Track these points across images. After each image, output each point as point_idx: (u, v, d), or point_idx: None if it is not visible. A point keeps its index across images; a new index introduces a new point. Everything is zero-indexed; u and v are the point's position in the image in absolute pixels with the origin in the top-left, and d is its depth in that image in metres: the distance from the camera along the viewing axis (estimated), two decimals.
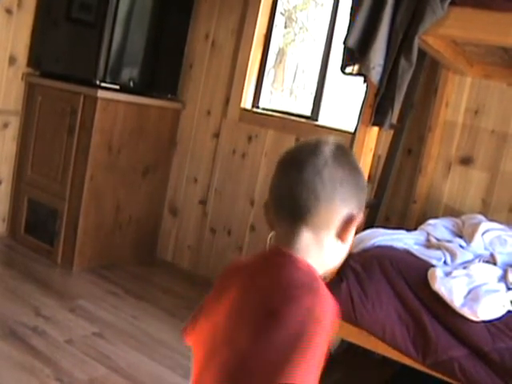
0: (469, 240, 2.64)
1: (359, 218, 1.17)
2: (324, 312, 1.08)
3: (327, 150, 1.14)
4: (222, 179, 4.01)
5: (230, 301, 1.17)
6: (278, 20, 4.06)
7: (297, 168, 1.13)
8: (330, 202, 1.12)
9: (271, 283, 1.12)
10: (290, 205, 1.14)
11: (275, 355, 1.02)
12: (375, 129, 2.35)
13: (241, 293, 1.16)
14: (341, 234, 1.15)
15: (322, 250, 1.16)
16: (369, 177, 2.57)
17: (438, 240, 2.67)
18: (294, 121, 3.75)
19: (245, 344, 1.08)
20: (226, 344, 1.13)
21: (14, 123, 3.96)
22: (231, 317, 1.15)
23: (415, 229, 2.89)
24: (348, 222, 1.15)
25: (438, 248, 2.53)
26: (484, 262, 2.44)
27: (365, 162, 2.37)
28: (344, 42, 2.16)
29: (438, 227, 2.80)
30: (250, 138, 3.87)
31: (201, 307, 1.27)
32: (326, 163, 1.12)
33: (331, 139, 1.17)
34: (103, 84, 3.60)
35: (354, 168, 1.17)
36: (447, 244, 2.56)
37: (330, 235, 1.15)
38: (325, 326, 1.07)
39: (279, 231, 1.19)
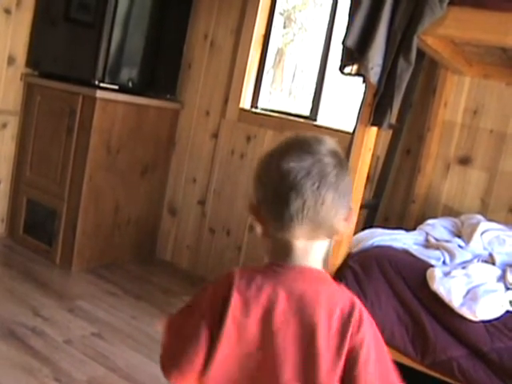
0: (467, 240, 2.64)
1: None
2: None
3: (332, 161, 1.15)
4: (220, 179, 4.00)
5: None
6: (277, 20, 4.06)
7: (314, 187, 1.12)
8: (342, 210, 1.18)
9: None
10: (313, 224, 1.14)
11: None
12: (374, 129, 2.35)
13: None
14: (340, 232, 1.21)
15: (324, 250, 1.23)
16: (368, 177, 2.57)
17: (436, 240, 2.67)
18: (292, 121, 3.75)
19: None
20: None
21: (13, 123, 3.95)
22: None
23: (414, 229, 2.89)
24: (348, 219, 1.20)
25: (437, 248, 2.53)
26: (483, 261, 2.44)
27: (364, 162, 2.37)
28: (343, 42, 2.16)
29: (437, 227, 2.80)
30: (248, 138, 3.87)
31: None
32: (338, 177, 1.14)
33: (325, 144, 1.17)
34: (102, 84, 3.60)
35: (348, 172, 1.20)
36: (446, 244, 2.56)
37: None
38: None
39: (287, 245, 1.19)
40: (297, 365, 1.13)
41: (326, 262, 1.22)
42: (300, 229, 1.14)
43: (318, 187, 1.11)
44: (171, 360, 1.21)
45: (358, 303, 1.17)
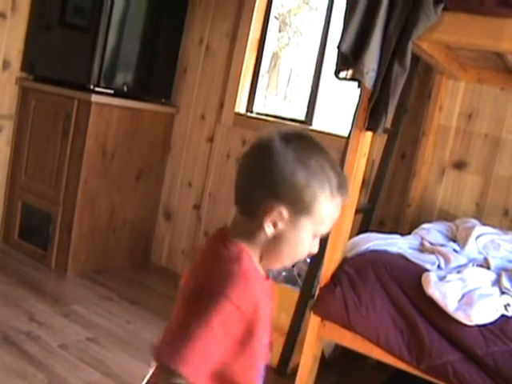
0: (463, 244, 2.65)
1: (280, 212, 1.16)
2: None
3: (268, 136, 1.21)
4: (216, 184, 4.00)
5: None
6: (272, 24, 4.06)
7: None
8: (247, 187, 1.22)
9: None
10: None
11: None
12: (369, 133, 2.35)
13: None
14: (262, 224, 1.18)
15: (246, 233, 1.21)
16: (363, 181, 2.57)
17: (431, 244, 2.67)
18: (288, 125, 3.75)
19: None
20: None
21: (8, 127, 3.95)
22: None
23: (409, 233, 2.90)
24: (267, 211, 1.16)
25: (432, 252, 2.53)
26: (478, 266, 2.45)
27: (359, 167, 2.37)
28: (338, 47, 2.16)
29: (432, 231, 2.80)
30: (244, 143, 3.87)
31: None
32: (253, 148, 1.25)
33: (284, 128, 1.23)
34: (97, 88, 3.60)
35: (276, 155, 1.17)
36: (441, 248, 2.56)
37: (256, 220, 1.19)
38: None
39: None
40: None
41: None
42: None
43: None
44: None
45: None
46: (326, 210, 1.18)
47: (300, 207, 1.16)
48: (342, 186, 1.19)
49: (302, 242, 1.21)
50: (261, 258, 1.21)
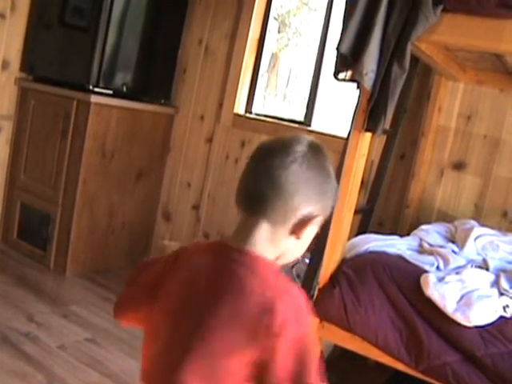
0: (461, 245, 2.65)
1: (320, 220, 1.20)
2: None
3: (299, 149, 1.16)
4: (215, 184, 4.00)
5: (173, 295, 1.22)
6: (272, 25, 4.06)
7: (264, 161, 1.16)
8: (290, 198, 1.14)
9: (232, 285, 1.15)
10: (251, 196, 1.18)
11: None
12: (368, 134, 2.35)
13: (188, 289, 1.20)
14: (296, 231, 1.17)
15: (277, 244, 1.19)
16: (362, 182, 2.57)
17: (430, 245, 2.67)
18: (287, 126, 3.75)
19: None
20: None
21: (7, 128, 3.95)
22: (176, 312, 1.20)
23: (408, 234, 2.90)
24: (305, 221, 1.17)
25: (431, 253, 2.53)
26: (476, 267, 2.45)
27: (358, 168, 2.37)
28: (337, 48, 2.16)
29: (431, 232, 2.80)
30: (243, 143, 3.87)
31: (133, 286, 1.36)
32: (295, 160, 1.15)
33: (308, 139, 1.20)
34: (96, 89, 3.60)
35: (323, 171, 1.19)
36: (440, 249, 2.56)
37: (285, 231, 1.17)
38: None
39: (237, 224, 1.22)
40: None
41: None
42: (243, 201, 1.20)
43: (271, 162, 1.15)
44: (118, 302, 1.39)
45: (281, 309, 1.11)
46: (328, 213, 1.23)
47: (325, 213, 1.21)
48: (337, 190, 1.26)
49: (309, 243, 1.24)
50: (275, 259, 1.22)
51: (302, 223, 1.17)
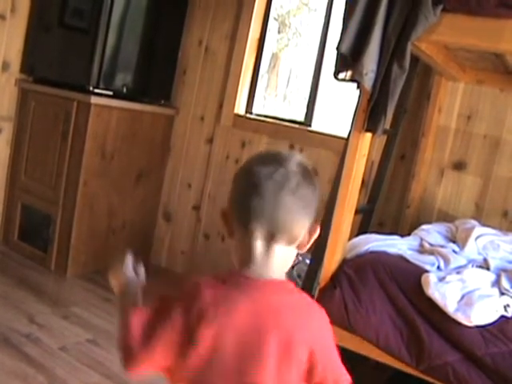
0: (462, 245, 2.65)
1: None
2: None
3: (297, 170, 1.20)
4: (215, 185, 4.00)
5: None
6: (272, 25, 4.06)
7: (274, 189, 1.18)
8: (302, 219, 1.21)
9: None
10: (270, 225, 1.19)
11: None
12: (368, 134, 2.35)
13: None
14: (305, 244, 1.26)
15: (289, 262, 1.27)
16: (362, 182, 2.57)
17: (431, 245, 2.67)
18: (287, 126, 3.76)
19: None
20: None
21: (8, 129, 3.95)
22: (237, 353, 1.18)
23: (409, 234, 2.90)
24: (312, 232, 1.25)
25: (432, 253, 2.53)
26: (477, 266, 2.45)
27: (358, 168, 2.37)
28: (337, 48, 2.16)
29: (432, 232, 2.80)
30: (243, 144, 3.87)
31: (155, 338, 1.20)
32: (299, 184, 1.19)
33: (293, 158, 1.23)
34: (97, 90, 3.60)
35: (314, 185, 1.24)
36: (440, 249, 2.56)
37: (294, 247, 1.25)
38: None
39: (249, 248, 1.22)
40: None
41: (294, 278, 1.28)
42: (258, 229, 1.19)
43: (278, 189, 1.17)
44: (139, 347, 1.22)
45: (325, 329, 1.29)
46: None
47: None
48: None
49: None
50: None
51: (311, 236, 1.25)
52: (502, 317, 2.10)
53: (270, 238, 1.20)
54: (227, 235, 1.27)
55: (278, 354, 1.17)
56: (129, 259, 1.42)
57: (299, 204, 1.19)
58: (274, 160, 1.21)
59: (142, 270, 1.44)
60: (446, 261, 2.44)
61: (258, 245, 1.20)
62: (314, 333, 1.25)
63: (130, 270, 1.41)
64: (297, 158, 1.23)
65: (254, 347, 1.17)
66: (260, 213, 1.17)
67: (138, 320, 1.23)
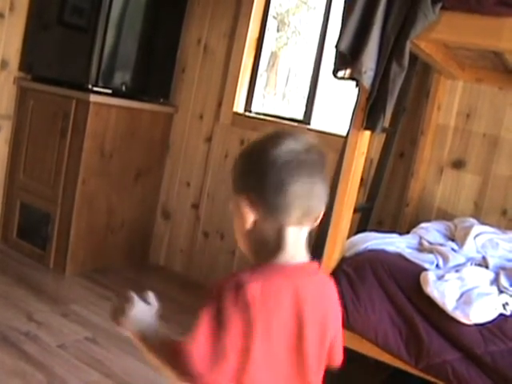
0: (461, 243, 2.65)
1: None
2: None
3: (317, 156, 1.25)
4: (214, 183, 4.00)
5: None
6: (271, 24, 4.06)
7: (308, 174, 1.21)
8: (325, 200, 1.26)
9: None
10: (305, 209, 1.21)
11: None
12: (367, 132, 2.35)
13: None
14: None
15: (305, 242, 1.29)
16: (361, 180, 2.57)
17: (430, 243, 2.67)
18: (286, 125, 3.75)
19: None
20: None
21: (6, 127, 3.94)
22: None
23: (408, 232, 2.90)
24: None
25: (431, 251, 2.53)
26: (476, 265, 2.45)
27: (357, 166, 2.37)
28: (336, 46, 2.16)
29: (431, 231, 2.80)
30: (242, 142, 3.87)
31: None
32: (323, 168, 1.25)
33: (310, 141, 1.26)
34: (95, 88, 3.60)
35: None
36: (439, 247, 2.56)
37: None
38: None
39: (281, 234, 1.21)
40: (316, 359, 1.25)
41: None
42: (293, 215, 1.19)
43: (311, 174, 1.20)
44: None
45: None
46: None
47: None
48: None
49: None
50: None
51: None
52: (501, 315, 2.10)
53: (302, 222, 1.21)
54: (244, 225, 1.21)
55: (318, 338, 1.24)
56: (131, 298, 1.36)
57: (326, 186, 1.24)
58: (294, 140, 1.22)
59: (150, 295, 1.40)
60: (445, 259, 2.44)
61: (291, 230, 1.21)
62: (337, 311, 1.32)
63: (137, 305, 1.37)
64: (310, 139, 1.26)
65: (297, 336, 1.19)
66: (297, 199, 1.18)
67: (196, 348, 1.13)
